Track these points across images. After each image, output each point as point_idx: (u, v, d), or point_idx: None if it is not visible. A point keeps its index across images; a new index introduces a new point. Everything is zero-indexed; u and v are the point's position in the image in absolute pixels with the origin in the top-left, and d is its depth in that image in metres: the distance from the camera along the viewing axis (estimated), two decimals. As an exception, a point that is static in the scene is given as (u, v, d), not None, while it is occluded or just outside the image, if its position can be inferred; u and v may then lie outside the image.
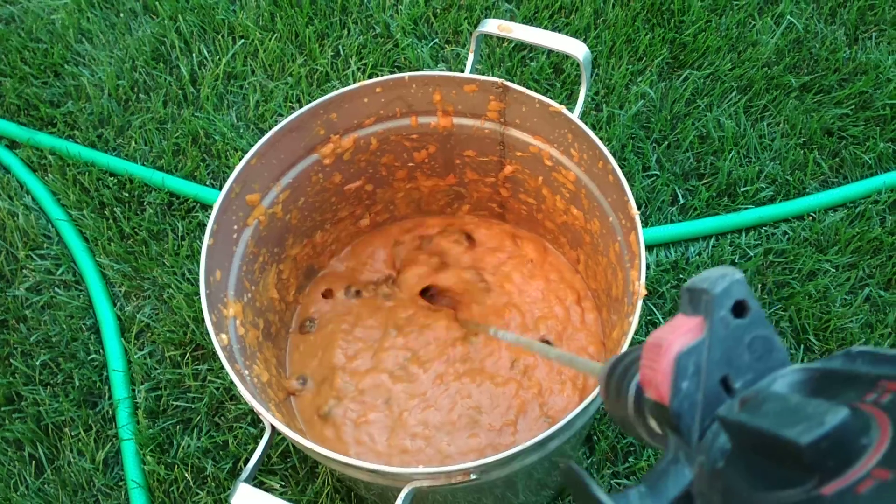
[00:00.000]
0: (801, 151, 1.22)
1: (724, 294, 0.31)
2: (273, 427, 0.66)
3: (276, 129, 0.79)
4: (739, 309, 0.32)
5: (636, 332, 0.67)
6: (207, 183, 1.22)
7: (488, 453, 0.87)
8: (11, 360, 1.08)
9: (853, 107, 1.26)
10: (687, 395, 0.31)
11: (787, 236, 1.14)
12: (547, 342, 0.94)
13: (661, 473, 0.32)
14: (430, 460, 0.88)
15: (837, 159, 1.22)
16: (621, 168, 0.76)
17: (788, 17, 1.35)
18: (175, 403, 1.03)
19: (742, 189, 1.18)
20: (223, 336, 0.72)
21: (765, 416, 0.26)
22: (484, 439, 0.89)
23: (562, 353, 0.58)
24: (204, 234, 0.74)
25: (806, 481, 0.24)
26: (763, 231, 1.15)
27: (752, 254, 1.12)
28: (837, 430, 0.23)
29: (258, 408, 0.65)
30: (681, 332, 0.32)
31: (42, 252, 1.18)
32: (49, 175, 1.24)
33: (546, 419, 0.90)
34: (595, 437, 0.99)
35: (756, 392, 0.29)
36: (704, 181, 1.19)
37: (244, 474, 0.63)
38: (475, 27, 0.84)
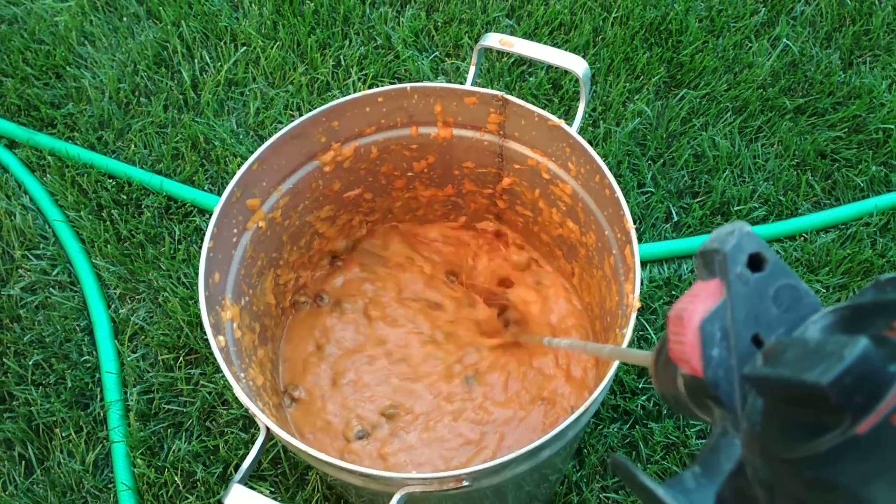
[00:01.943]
0: (795, 172, 1.23)
1: (737, 249, 0.30)
2: (267, 430, 0.67)
3: (278, 134, 0.80)
4: (756, 262, 0.30)
5: (629, 346, 0.68)
6: (206, 188, 1.23)
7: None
8: (4, 360, 1.08)
9: (846, 130, 1.28)
10: (720, 362, 0.29)
11: (778, 256, 1.15)
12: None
13: (712, 449, 0.30)
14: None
15: (830, 181, 1.24)
16: (617, 184, 0.77)
17: (785, 40, 1.37)
18: (167, 407, 1.04)
19: (735, 208, 1.19)
20: (220, 338, 0.73)
21: (786, 364, 0.25)
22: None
23: (613, 348, 0.57)
24: (201, 239, 0.74)
25: (838, 423, 0.23)
26: (755, 250, 1.16)
27: (744, 272, 1.13)
28: (859, 362, 0.22)
29: (253, 409, 0.66)
30: (700, 299, 0.30)
31: (38, 252, 1.18)
32: (47, 176, 1.24)
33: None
34: (585, 451, 1.00)
35: (778, 342, 0.28)
36: (698, 199, 1.21)
37: (238, 475, 0.64)
38: (475, 41, 0.85)
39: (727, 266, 0.30)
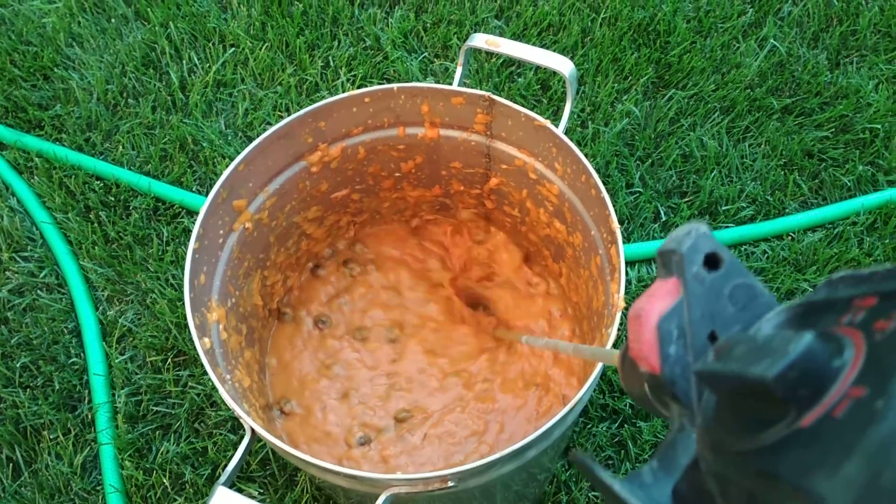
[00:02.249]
0: (782, 172, 1.24)
1: (693, 249, 0.30)
2: (253, 431, 0.66)
3: (264, 135, 0.80)
4: (712, 261, 0.31)
5: (615, 345, 0.68)
6: (194, 189, 1.22)
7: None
8: (-9, 362, 1.07)
9: (833, 130, 1.28)
10: (677, 359, 0.30)
11: (766, 255, 1.16)
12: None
13: (670, 445, 0.31)
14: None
15: (817, 181, 1.24)
16: (605, 184, 0.78)
17: (772, 40, 1.38)
18: (155, 409, 1.03)
19: (723, 208, 1.19)
20: (206, 340, 0.73)
21: (735, 359, 0.26)
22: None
23: (585, 348, 0.57)
24: (189, 240, 0.74)
25: (784, 417, 0.23)
26: (743, 250, 1.17)
27: (732, 271, 1.14)
28: (803, 357, 0.23)
29: (238, 411, 0.65)
30: (658, 298, 0.31)
31: (26, 254, 1.18)
32: (35, 177, 1.24)
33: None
34: (574, 450, 1.00)
35: (729, 339, 0.29)
36: (686, 199, 1.21)
37: (223, 478, 0.63)
38: (464, 42, 0.85)
39: (684, 266, 0.30)
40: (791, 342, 0.23)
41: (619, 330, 0.67)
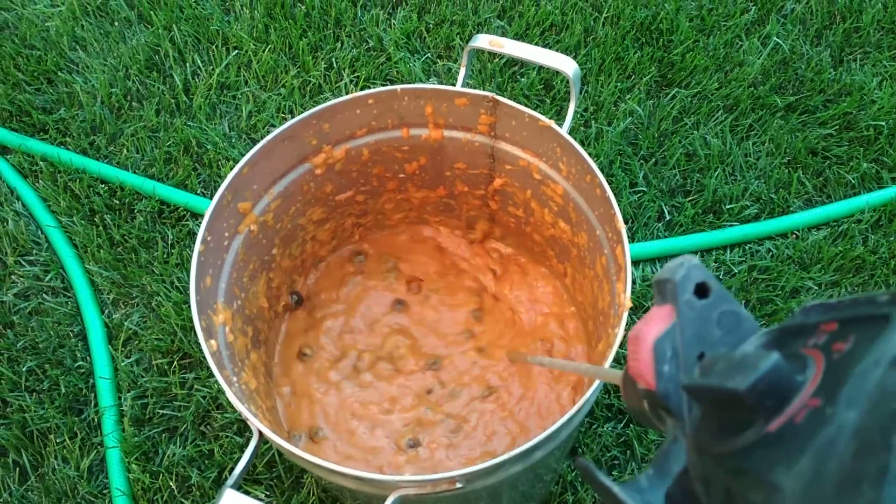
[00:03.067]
0: (786, 170, 1.24)
1: (685, 279, 0.34)
2: (260, 434, 0.66)
3: (268, 138, 0.80)
4: (702, 290, 0.34)
5: (621, 346, 0.68)
6: (198, 192, 1.23)
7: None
8: (-3, 366, 1.08)
9: (837, 127, 1.28)
10: (671, 377, 0.34)
11: (770, 254, 1.16)
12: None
13: (664, 454, 0.34)
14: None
15: (821, 179, 1.24)
16: (609, 183, 0.78)
17: (775, 38, 1.37)
18: (161, 412, 1.03)
19: (727, 206, 1.19)
20: (212, 342, 0.73)
21: (715, 374, 0.29)
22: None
23: (590, 367, 0.62)
24: (194, 243, 0.74)
25: (754, 423, 0.27)
26: (747, 248, 1.17)
27: (736, 270, 1.14)
28: (770, 372, 0.26)
29: (246, 413, 0.65)
30: (654, 322, 0.34)
31: (31, 258, 1.18)
32: (40, 181, 1.24)
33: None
34: (580, 450, 1.00)
35: (712, 357, 0.32)
36: (690, 198, 1.21)
37: (230, 480, 0.63)
38: (467, 42, 0.85)
39: (677, 293, 0.34)
40: (761, 360, 0.27)
41: (625, 329, 0.67)
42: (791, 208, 1.21)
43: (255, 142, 1.26)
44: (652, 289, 0.36)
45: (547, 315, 0.99)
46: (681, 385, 0.33)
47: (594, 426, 1.02)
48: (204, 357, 1.07)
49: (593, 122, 1.27)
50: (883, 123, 1.27)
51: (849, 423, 0.23)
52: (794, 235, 1.18)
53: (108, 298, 1.14)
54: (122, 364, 1.07)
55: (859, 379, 0.24)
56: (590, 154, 0.81)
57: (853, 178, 1.23)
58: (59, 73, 1.37)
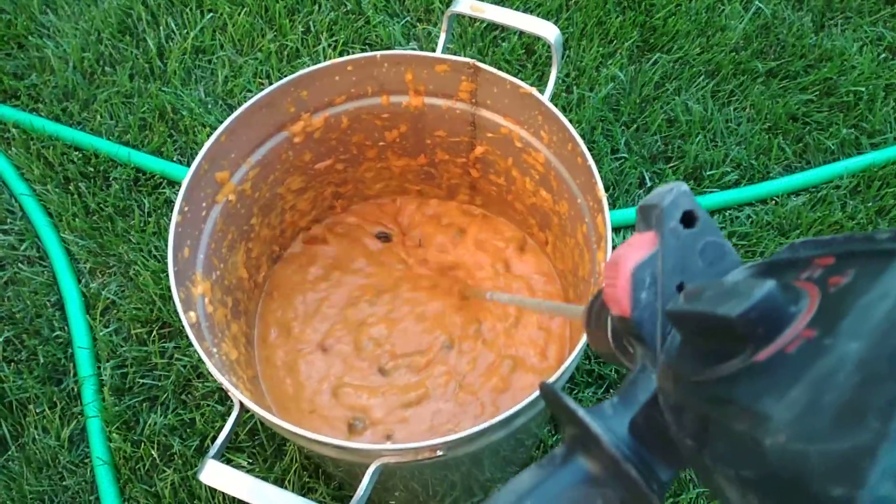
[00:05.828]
0: (766, 136, 1.24)
1: (672, 206, 0.33)
2: (241, 404, 0.66)
3: (245, 105, 0.78)
4: (689, 219, 0.33)
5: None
6: (175, 159, 1.21)
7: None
8: (-27, 337, 1.06)
9: (818, 93, 1.28)
10: (647, 305, 0.33)
11: (750, 220, 1.17)
12: None
13: (631, 383, 0.33)
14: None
15: (801, 144, 1.25)
16: (590, 150, 0.77)
17: (757, 2, 1.36)
18: (141, 381, 1.03)
19: (708, 173, 1.19)
20: (191, 314, 0.72)
21: (703, 301, 0.28)
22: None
23: (551, 304, 0.61)
24: (171, 211, 0.73)
25: (742, 352, 0.26)
26: (727, 214, 1.17)
27: (716, 237, 1.14)
28: (764, 300, 0.25)
29: (226, 384, 0.65)
30: (635, 248, 0.33)
31: (5, 227, 1.16)
32: (12, 149, 1.22)
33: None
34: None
35: (698, 285, 0.31)
36: (671, 164, 1.21)
37: (212, 451, 0.64)
38: (447, 6, 0.84)
39: (663, 220, 0.33)
40: (755, 287, 0.25)
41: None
42: (771, 174, 1.21)
43: (231, 108, 1.24)
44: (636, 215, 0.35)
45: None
46: (666, 310, 0.32)
47: (574, 391, 1.03)
48: (183, 326, 1.06)
49: (575, 87, 1.26)
50: (863, 89, 1.27)
51: (851, 355, 0.22)
52: (774, 201, 1.18)
53: (85, 268, 1.12)
54: (101, 334, 1.06)
55: (863, 312, 0.23)
56: (571, 120, 0.80)
57: (832, 144, 1.23)
58: (30, 38, 1.33)
